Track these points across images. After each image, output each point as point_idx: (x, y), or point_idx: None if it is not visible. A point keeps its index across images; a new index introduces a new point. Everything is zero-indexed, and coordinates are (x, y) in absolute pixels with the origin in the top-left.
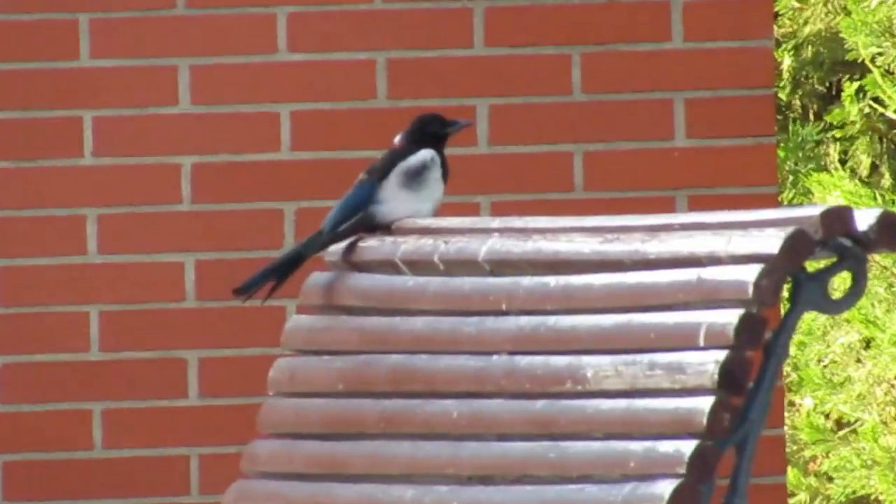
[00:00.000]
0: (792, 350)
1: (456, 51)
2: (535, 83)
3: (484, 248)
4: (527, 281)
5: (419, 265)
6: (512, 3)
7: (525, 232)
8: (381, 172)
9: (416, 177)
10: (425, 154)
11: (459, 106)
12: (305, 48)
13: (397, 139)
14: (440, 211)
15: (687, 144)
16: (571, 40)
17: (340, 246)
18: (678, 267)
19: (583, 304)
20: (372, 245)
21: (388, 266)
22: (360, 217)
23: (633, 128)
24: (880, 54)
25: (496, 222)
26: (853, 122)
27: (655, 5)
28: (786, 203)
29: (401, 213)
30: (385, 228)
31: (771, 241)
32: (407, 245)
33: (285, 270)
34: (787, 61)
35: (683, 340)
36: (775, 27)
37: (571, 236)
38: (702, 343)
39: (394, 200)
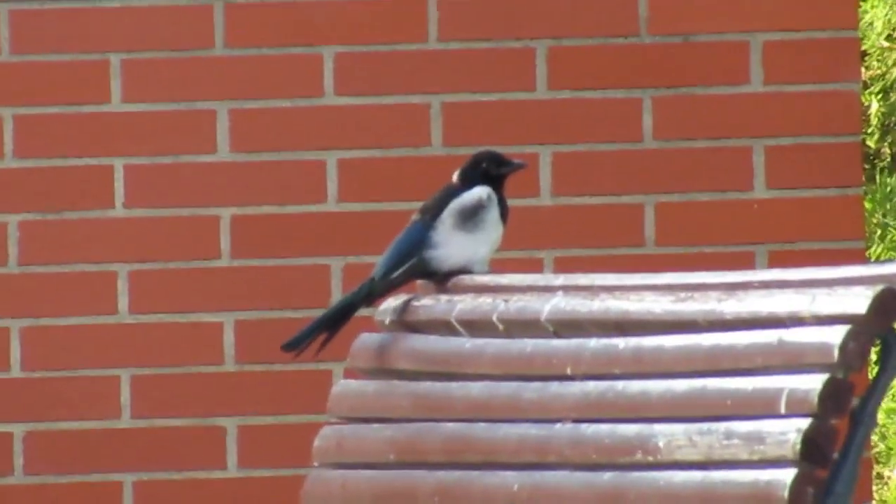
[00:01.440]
0: (880, 418)
1: (517, 94)
2: (603, 129)
3: (547, 307)
4: (593, 343)
5: (477, 325)
6: (578, 43)
7: (591, 290)
8: (433, 212)
9: (471, 216)
10: (480, 191)
11: (520, 153)
12: (354, 91)
13: (454, 176)
14: (501, 267)
15: (767, 195)
16: (642, 83)
17: (392, 304)
18: (757, 328)
19: (654, 367)
20: (426, 304)
21: (443, 327)
22: (414, 263)
23: (709, 177)
24: None
25: (560, 279)
26: None
27: (733, 45)
28: (874, 259)
29: (457, 257)
30: (440, 275)
31: (858, 301)
32: (464, 304)
33: (336, 323)
34: (874, 105)
35: (763, 407)
36: (862, 69)
37: (642, 295)
38: (783, 410)
39: (448, 244)
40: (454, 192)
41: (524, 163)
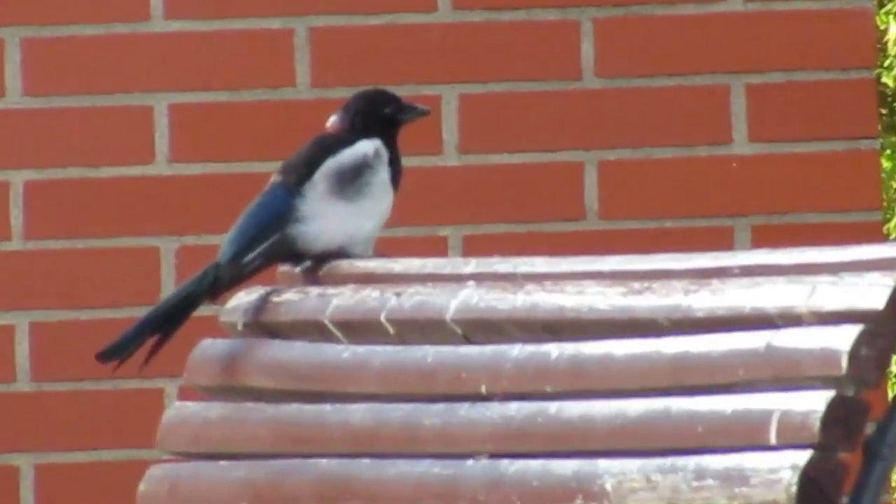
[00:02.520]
0: None
1: (410, 16)
2: (528, 62)
3: (454, 302)
4: (517, 351)
5: (359, 328)
6: None
7: (513, 279)
8: (301, 172)
9: (353, 179)
10: (366, 146)
11: (416, 96)
12: (190, 14)
13: (329, 122)
14: (391, 249)
15: (749, 151)
16: (580, 1)
17: (243, 300)
18: (738, 329)
19: (599, 383)
20: (290, 299)
21: (313, 330)
22: (274, 242)
23: (671, 127)
24: None
25: (471, 265)
26: None
27: None
28: (893, 235)
29: (332, 233)
30: (310, 259)
31: (873, 292)
32: (341, 299)
33: (169, 323)
34: (893, 30)
35: (746, 436)
36: None
37: (581, 285)
38: (773, 440)
39: (321, 216)
40: (330, 145)
41: (427, 108)
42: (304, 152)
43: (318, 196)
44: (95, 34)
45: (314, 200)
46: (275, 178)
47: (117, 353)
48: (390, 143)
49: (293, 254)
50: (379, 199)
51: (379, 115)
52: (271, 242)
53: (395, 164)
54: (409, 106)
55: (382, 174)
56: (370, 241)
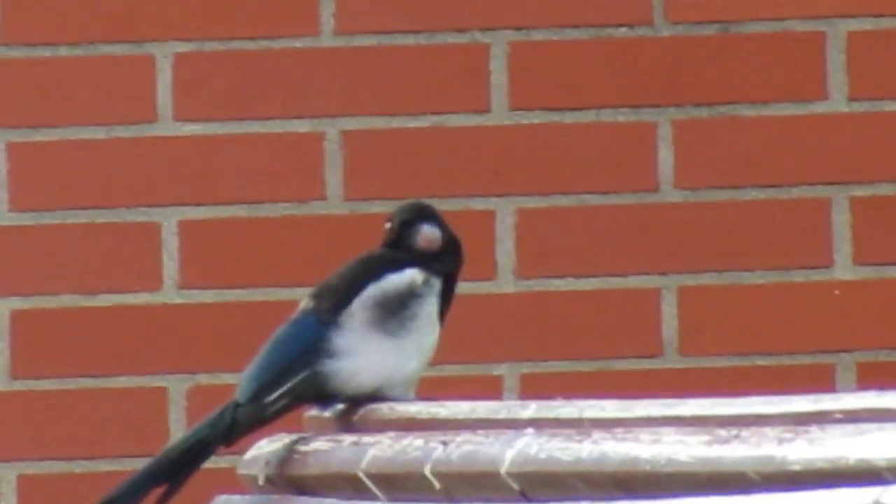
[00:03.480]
0: None
1: (459, 117)
2: (595, 171)
3: (510, 452)
4: None
5: (400, 483)
6: (553, 35)
7: (579, 425)
8: (337, 298)
9: (397, 310)
10: (413, 274)
11: (467, 211)
12: (203, 113)
13: (425, 235)
14: (436, 390)
15: (854, 276)
16: (657, 98)
17: (266, 449)
18: (841, 484)
19: None
20: (320, 449)
21: (346, 484)
22: (303, 379)
23: (764, 246)
24: None
25: (530, 409)
26: None
27: (800, 38)
28: None
29: (370, 372)
30: (343, 401)
31: None
32: (380, 449)
33: (178, 472)
34: None
35: None
36: None
37: (659, 433)
38: None
39: (359, 352)
40: (373, 266)
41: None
42: (342, 273)
43: (356, 327)
44: (93, 138)
45: (350, 332)
46: (305, 303)
47: (121, 501)
48: (445, 271)
49: (323, 394)
50: (425, 334)
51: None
52: (298, 380)
53: (445, 294)
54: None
55: (431, 306)
56: (412, 381)
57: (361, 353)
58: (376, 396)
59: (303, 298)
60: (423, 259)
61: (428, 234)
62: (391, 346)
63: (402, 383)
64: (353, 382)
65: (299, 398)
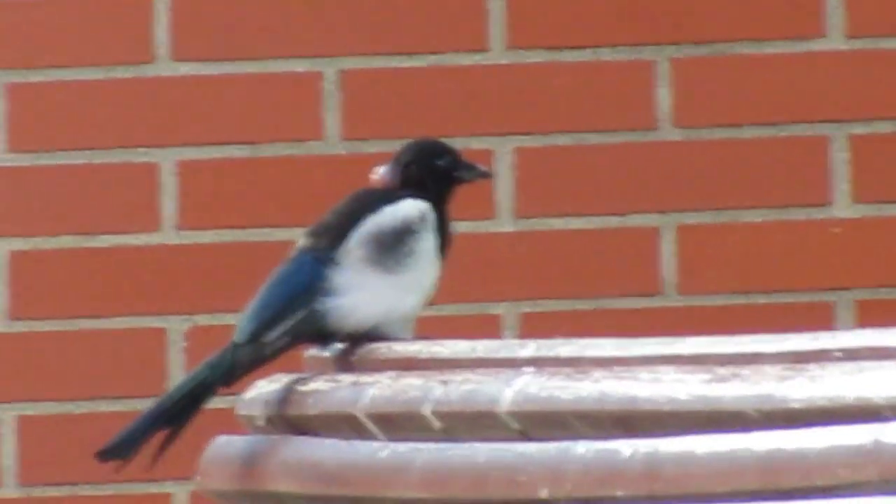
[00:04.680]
0: None
1: (458, 57)
2: (594, 110)
3: (509, 392)
4: (583, 448)
5: (399, 423)
6: None
7: (579, 365)
8: (333, 235)
9: (394, 246)
10: (409, 208)
11: (465, 150)
12: (201, 53)
13: (375, 174)
14: (436, 329)
15: (853, 213)
16: (656, 36)
17: (264, 390)
18: (840, 422)
19: (678, 487)
20: (319, 389)
21: (345, 424)
22: (300, 318)
23: (763, 186)
24: None
25: (529, 349)
26: None
27: None
28: None
29: (368, 310)
30: (341, 339)
31: None
32: (378, 388)
33: (178, 416)
34: None
35: None
36: None
37: (658, 371)
38: None
39: (357, 289)
40: (370, 202)
41: (489, 171)
42: (338, 210)
43: (353, 265)
44: (90, 79)
45: (348, 270)
46: (302, 241)
47: (120, 451)
48: (441, 206)
49: (322, 333)
50: (423, 270)
51: (433, 170)
52: (297, 319)
53: (443, 230)
54: (469, 164)
55: (428, 242)
56: (411, 319)
57: (359, 291)
58: (374, 334)
59: (300, 237)
60: (424, 193)
61: (381, 174)
62: (389, 283)
63: (399, 321)
64: (352, 320)
65: (298, 337)
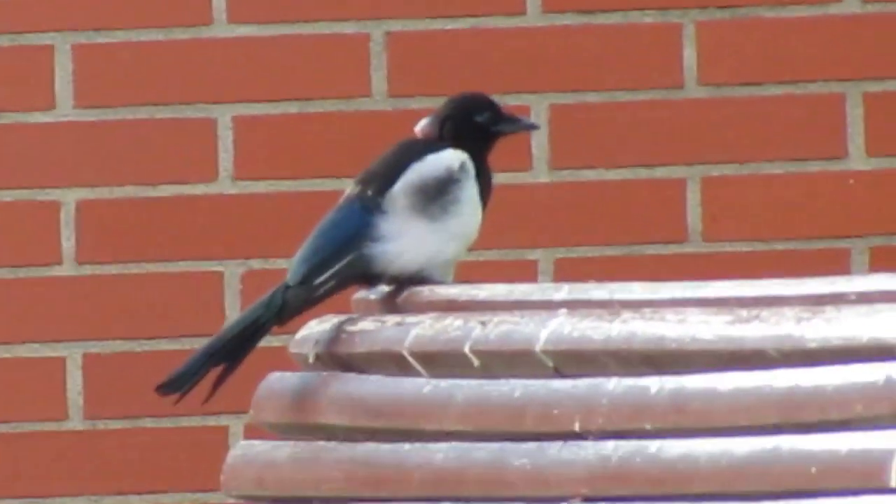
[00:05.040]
0: None
1: (496, 19)
2: (623, 69)
3: (544, 332)
4: (613, 385)
5: (441, 361)
6: None
7: (609, 307)
8: (380, 184)
9: (438, 195)
10: (452, 157)
11: (504, 107)
12: (255, 18)
13: (418, 126)
14: (476, 274)
15: (868, 166)
16: (683, 2)
17: (315, 330)
18: (855, 361)
19: (702, 421)
20: (366, 329)
21: (390, 362)
22: (349, 262)
23: (782, 140)
24: None
25: (563, 292)
26: None
27: None
28: None
29: (412, 255)
30: (386, 282)
31: None
32: (422, 329)
33: (234, 352)
34: None
35: (863, 477)
36: None
37: (684, 313)
38: (893, 482)
39: (401, 235)
40: (414, 152)
41: (534, 123)
42: (385, 159)
43: (399, 212)
44: (152, 40)
45: (394, 217)
46: (351, 189)
47: (178, 385)
48: (482, 157)
49: (368, 276)
50: (465, 217)
51: (472, 124)
52: (345, 263)
53: (484, 179)
54: (511, 117)
55: (470, 190)
56: (452, 264)
57: (404, 237)
58: (418, 277)
59: (348, 188)
60: (464, 145)
61: (423, 127)
62: (432, 229)
63: (442, 265)
64: (397, 265)
65: (346, 280)
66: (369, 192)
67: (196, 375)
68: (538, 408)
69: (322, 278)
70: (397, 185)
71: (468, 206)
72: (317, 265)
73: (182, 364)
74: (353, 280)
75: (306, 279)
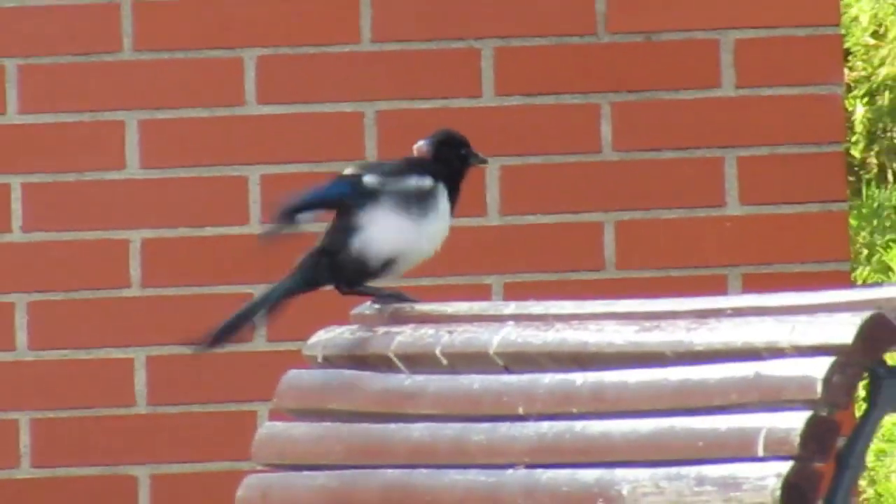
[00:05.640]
0: (868, 461)
1: (461, 101)
2: (557, 139)
3: (496, 338)
4: (548, 378)
5: (418, 360)
6: (528, 42)
7: (545, 319)
8: (378, 175)
9: (417, 202)
10: (428, 180)
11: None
12: (279, 98)
13: (417, 146)
14: (444, 295)
15: (741, 212)
16: (601, 87)
17: (323, 338)
18: (731, 360)
19: (616, 405)
20: (361, 337)
21: (380, 362)
22: (332, 203)
23: (676, 192)
24: None
25: (510, 308)
26: None
27: (701, 44)
28: (860, 282)
29: (388, 244)
30: (364, 270)
31: (843, 329)
32: (403, 336)
33: (270, 306)
34: (859, 110)
35: (738, 449)
36: (846, 70)
37: (602, 324)
38: (761, 452)
39: (383, 223)
40: (407, 167)
41: (485, 158)
42: (388, 161)
43: (384, 205)
44: (199, 116)
45: (379, 207)
46: (349, 170)
47: (214, 341)
48: (457, 179)
49: (346, 243)
50: (435, 222)
51: (457, 153)
52: (328, 204)
53: (454, 197)
54: (476, 154)
55: (443, 204)
56: (418, 260)
57: (384, 226)
58: (386, 263)
59: (348, 167)
60: (439, 172)
61: (420, 146)
62: (409, 226)
63: (411, 259)
64: (373, 247)
65: (330, 206)
66: (365, 179)
67: (231, 332)
68: (492, 396)
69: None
70: (388, 185)
71: (438, 214)
72: (304, 203)
73: (218, 325)
74: (334, 206)
75: (293, 209)
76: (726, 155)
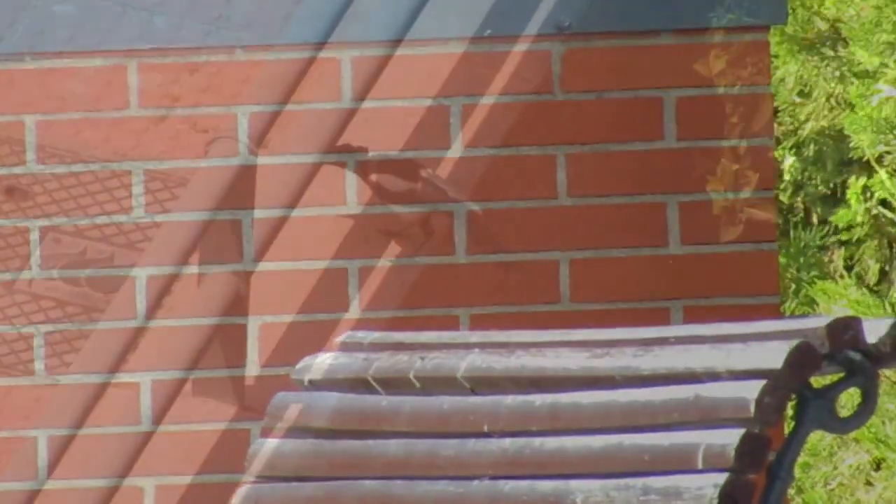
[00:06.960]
0: (796, 473)
1: (432, 152)
2: (517, 187)
3: (463, 364)
4: (510, 400)
5: (394, 383)
6: (492, 100)
7: (507, 347)
8: None
9: None
10: None
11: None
12: None
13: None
14: (418, 325)
15: (682, 251)
16: (556, 140)
17: (309, 363)
18: (674, 383)
19: (570, 424)
20: (342, 363)
21: (360, 384)
22: None
23: (624, 234)
24: (888, 153)
25: (476, 336)
26: (860, 225)
27: (647, 102)
28: (788, 314)
29: None
30: None
31: (773, 356)
32: (381, 362)
33: None
34: (788, 160)
35: (680, 463)
36: (775, 124)
37: (558, 351)
38: (700, 465)
39: None
40: None
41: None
42: None
43: None
44: None
45: None
46: None
47: None
48: None
49: None
50: None
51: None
52: None
53: None
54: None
55: None
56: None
57: None
58: None
59: None
60: None
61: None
62: None
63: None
64: None
65: None
66: None
67: None
68: (460, 416)
69: None
70: None
71: None
72: None
73: None
74: None
75: None
76: (668, 200)
